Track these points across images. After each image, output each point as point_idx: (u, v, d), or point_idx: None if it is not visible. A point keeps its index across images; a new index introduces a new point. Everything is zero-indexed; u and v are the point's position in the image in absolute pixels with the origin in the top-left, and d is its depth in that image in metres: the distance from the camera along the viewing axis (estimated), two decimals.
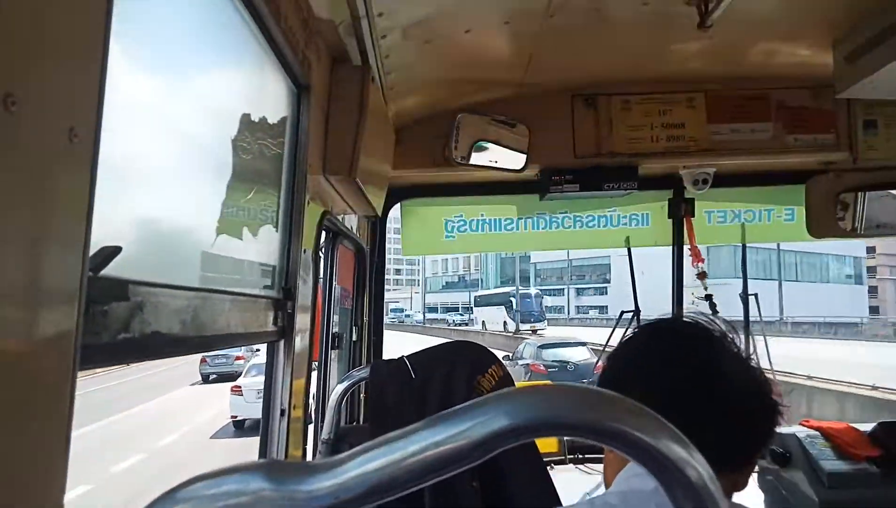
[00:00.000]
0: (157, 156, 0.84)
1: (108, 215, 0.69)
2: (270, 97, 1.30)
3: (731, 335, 0.91)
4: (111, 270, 0.65)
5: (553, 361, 16.99)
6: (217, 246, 1.01)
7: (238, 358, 22.92)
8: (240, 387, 16.16)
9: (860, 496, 2.10)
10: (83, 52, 0.55)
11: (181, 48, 0.94)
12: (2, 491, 0.46)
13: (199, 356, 24.03)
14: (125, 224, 0.73)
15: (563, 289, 65.05)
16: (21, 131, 0.47)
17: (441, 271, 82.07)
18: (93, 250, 0.61)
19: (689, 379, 0.83)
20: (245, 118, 1.14)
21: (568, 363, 16.77)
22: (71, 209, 0.54)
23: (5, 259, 0.46)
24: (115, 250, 0.64)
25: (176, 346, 0.83)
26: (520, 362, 17.46)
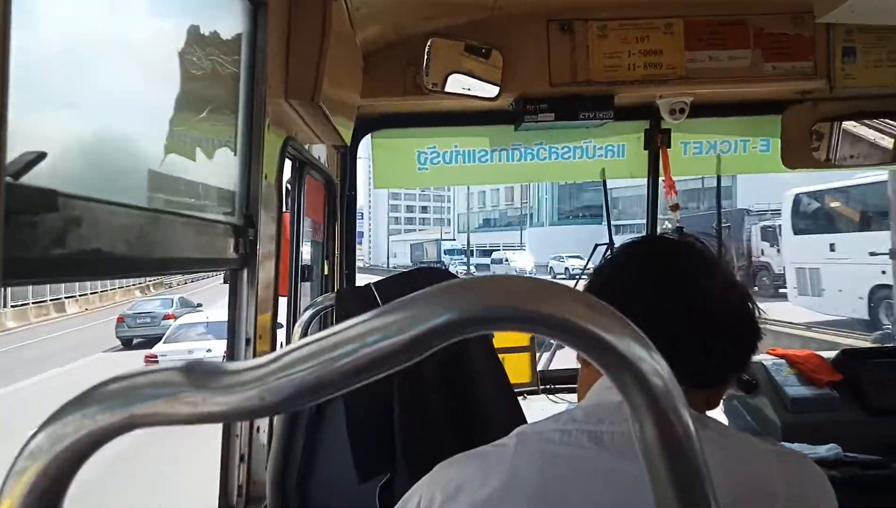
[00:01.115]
0: (92, 60, 0.78)
1: (32, 120, 0.64)
2: (223, 11, 1.21)
3: (715, 254, 0.89)
4: (36, 179, 0.60)
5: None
6: (166, 165, 0.95)
7: (167, 317, 18.56)
8: (156, 357, 12.02)
9: (821, 419, 2.17)
10: None
11: None
12: None
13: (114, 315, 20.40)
14: (52, 128, 0.67)
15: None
16: None
17: (478, 206, 70.33)
18: (12, 157, 0.56)
19: (670, 295, 0.80)
20: (193, 30, 1.06)
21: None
22: None
23: None
24: (39, 156, 0.59)
25: (123, 266, 0.79)
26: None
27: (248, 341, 1.29)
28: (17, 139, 0.56)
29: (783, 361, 2.40)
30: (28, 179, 0.59)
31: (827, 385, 2.26)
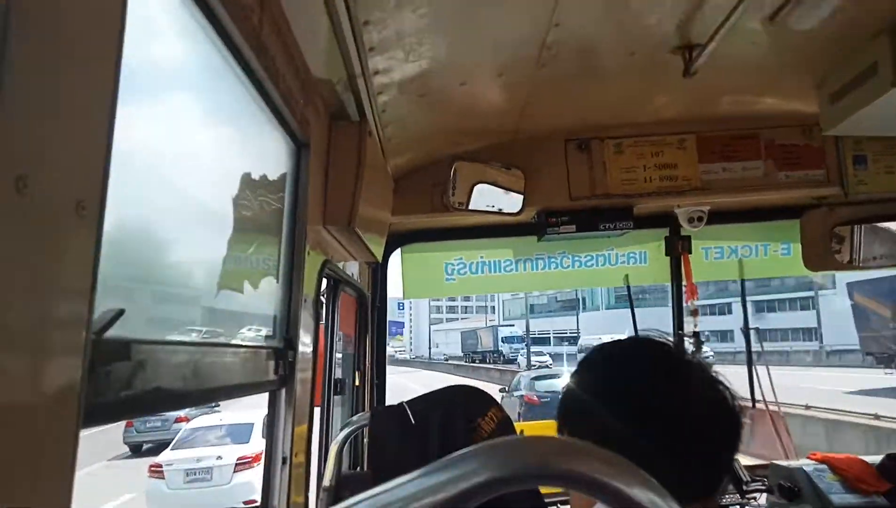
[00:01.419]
0: (160, 216, 0.89)
1: (113, 277, 0.73)
2: (270, 155, 1.35)
3: (687, 351, 0.92)
4: (115, 331, 0.68)
5: (545, 391, 17.14)
6: (219, 300, 1.05)
7: (179, 420, 16.52)
8: (160, 467, 10.64)
9: None
10: (91, 125, 0.58)
11: (184, 111, 1.00)
12: None
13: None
14: (129, 285, 0.77)
15: (728, 304, 40.33)
16: (32, 210, 0.50)
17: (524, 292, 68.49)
18: (98, 313, 0.65)
19: (657, 395, 0.84)
20: (246, 177, 1.19)
21: (559, 393, 16.95)
22: (76, 277, 0.57)
23: (16, 326, 0.49)
24: (119, 313, 0.68)
25: (177, 400, 0.86)
26: (515, 393, 17.57)
27: (284, 459, 1.33)
28: (102, 296, 0.65)
29: (825, 466, 2.32)
30: (110, 333, 0.67)
31: (874, 493, 2.17)
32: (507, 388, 18.57)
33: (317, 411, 1.78)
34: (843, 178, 2.30)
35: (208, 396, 0.95)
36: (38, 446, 0.53)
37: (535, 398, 17.05)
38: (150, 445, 17.42)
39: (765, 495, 2.40)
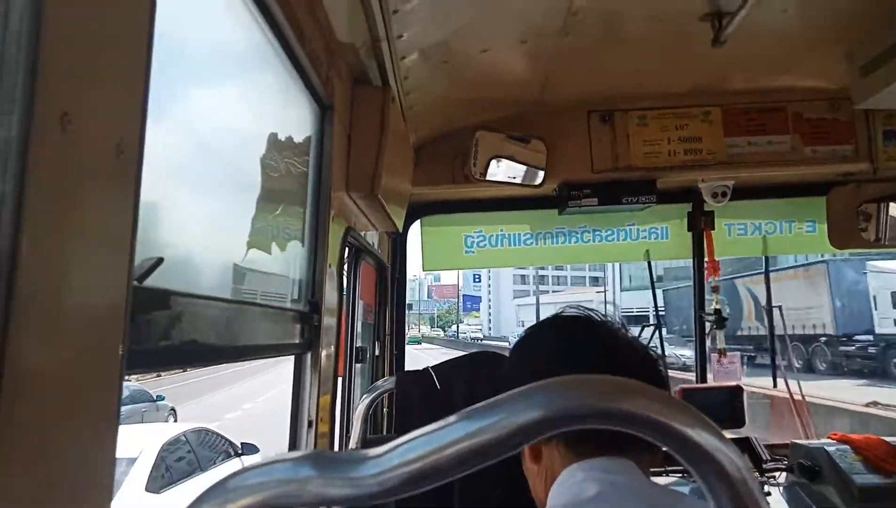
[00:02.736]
0: (191, 172, 0.88)
1: (150, 228, 0.72)
2: (296, 117, 1.34)
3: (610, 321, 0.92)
4: (154, 280, 0.68)
5: None
6: (248, 260, 1.04)
7: None
8: None
9: None
10: (129, 71, 0.58)
11: (212, 71, 0.98)
12: (51, 493, 0.49)
13: None
14: (165, 237, 0.76)
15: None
16: (75, 148, 0.50)
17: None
18: (137, 261, 0.64)
19: (595, 364, 0.83)
20: (272, 137, 1.18)
21: None
22: (117, 221, 0.57)
23: (57, 269, 0.49)
24: (158, 261, 0.67)
25: (212, 355, 0.86)
26: None
27: (310, 423, 1.33)
28: (140, 246, 0.64)
29: (847, 447, 2.30)
30: (148, 281, 0.67)
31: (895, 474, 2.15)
32: None
33: (339, 379, 1.79)
34: (873, 154, 2.25)
35: (240, 353, 0.95)
36: (84, 391, 0.53)
37: None
38: None
39: (784, 474, 2.39)
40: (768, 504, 0.46)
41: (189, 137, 0.89)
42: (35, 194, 0.44)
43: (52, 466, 0.49)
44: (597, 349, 0.86)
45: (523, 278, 73.52)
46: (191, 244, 0.86)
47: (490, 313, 75.15)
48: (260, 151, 1.12)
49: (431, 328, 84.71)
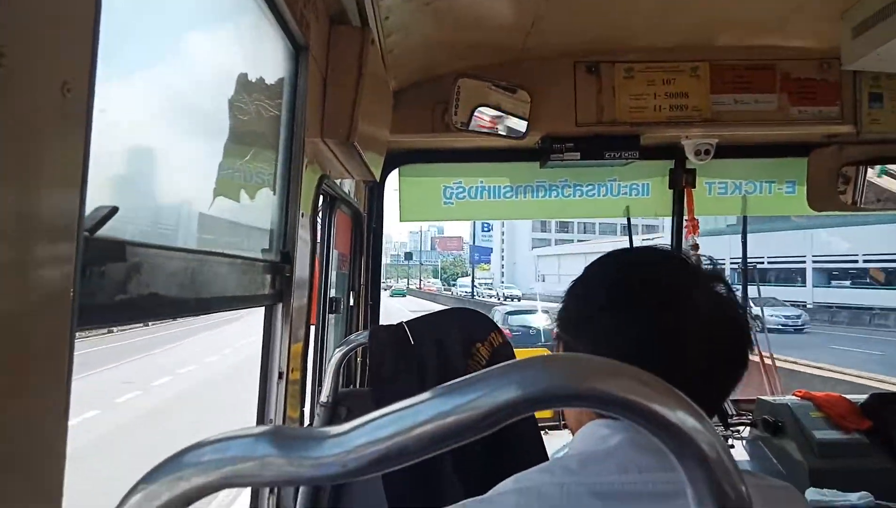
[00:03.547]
0: (151, 115, 0.82)
1: (104, 175, 0.67)
2: (268, 58, 1.27)
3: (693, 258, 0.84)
4: (107, 230, 0.63)
5: (518, 326, 17.63)
6: (214, 208, 0.99)
7: None
8: None
9: (850, 465, 2.14)
10: (76, 6, 0.54)
11: (175, 5, 0.91)
12: (1, 451, 0.46)
13: None
14: (120, 184, 0.72)
15: None
16: (12, 84, 0.46)
17: None
18: (88, 210, 0.60)
19: (666, 306, 0.76)
20: (242, 79, 1.11)
21: (531, 327, 17.52)
22: (66, 166, 0.53)
23: (0, 218, 0.45)
24: (112, 211, 0.63)
25: (174, 308, 0.82)
26: None
27: (280, 374, 1.31)
28: (93, 194, 0.60)
29: (810, 403, 2.37)
30: (101, 231, 0.62)
31: (855, 431, 2.23)
32: None
33: (312, 329, 1.77)
34: (857, 116, 2.23)
35: (205, 306, 0.91)
36: (32, 349, 0.49)
37: (508, 331, 17.71)
38: None
39: (748, 429, 2.46)
40: (748, 490, 0.44)
41: (150, 77, 0.83)
42: None
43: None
44: (669, 288, 0.77)
45: (543, 226, 66.39)
46: (151, 193, 0.82)
47: (503, 266, 68.57)
48: (228, 93, 1.06)
49: (435, 280, 76.36)
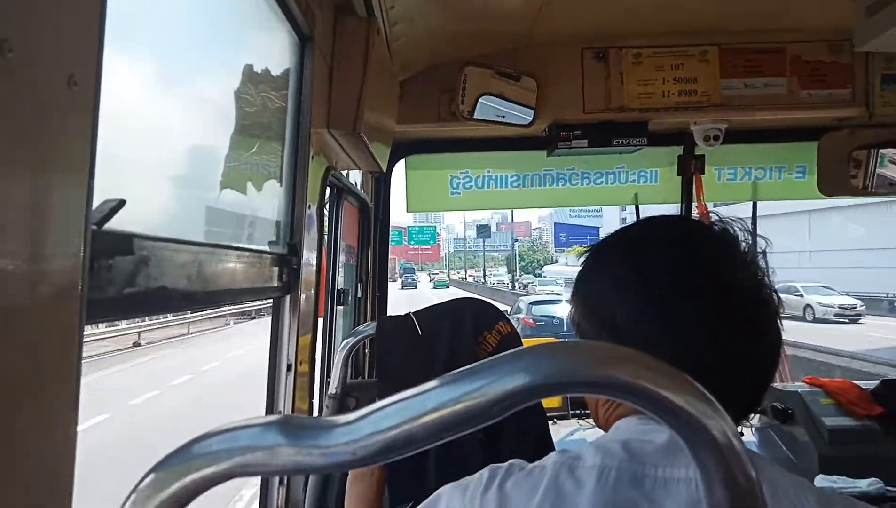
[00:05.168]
0: (158, 107, 0.82)
1: (111, 167, 0.67)
2: (273, 49, 1.26)
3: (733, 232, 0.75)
4: (115, 223, 0.64)
5: (541, 316, 17.61)
6: (221, 200, 1.00)
7: None
8: None
9: (861, 452, 2.13)
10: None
11: None
12: (11, 444, 0.46)
13: None
14: (128, 177, 0.72)
15: None
16: (18, 77, 0.46)
17: None
18: (96, 204, 0.60)
19: (703, 284, 0.70)
20: (247, 70, 1.11)
21: (554, 317, 17.48)
22: (73, 160, 0.53)
23: (6, 213, 0.45)
24: (120, 204, 0.63)
25: (182, 301, 0.83)
26: (517, 316, 18.02)
27: (289, 366, 1.32)
28: (100, 187, 0.60)
29: (819, 390, 2.36)
30: (109, 224, 0.62)
31: (866, 417, 2.22)
32: (509, 311, 18.91)
33: (319, 321, 1.77)
34: (869, 98, 2.20)
35: (213, 298, 0.92)
36: (42, 342, 0.50)
37: (531, 320, 17.58)
38: None
39: (757, 416, 2.45)
40: (758, 476, 0.44)
41: (157, 69, 0.82)
42: None
43: (6, 423, 0.46)
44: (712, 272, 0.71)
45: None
46: (159, 186, 0.82)
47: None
48: (234, 84, 1.05)
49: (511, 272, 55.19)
